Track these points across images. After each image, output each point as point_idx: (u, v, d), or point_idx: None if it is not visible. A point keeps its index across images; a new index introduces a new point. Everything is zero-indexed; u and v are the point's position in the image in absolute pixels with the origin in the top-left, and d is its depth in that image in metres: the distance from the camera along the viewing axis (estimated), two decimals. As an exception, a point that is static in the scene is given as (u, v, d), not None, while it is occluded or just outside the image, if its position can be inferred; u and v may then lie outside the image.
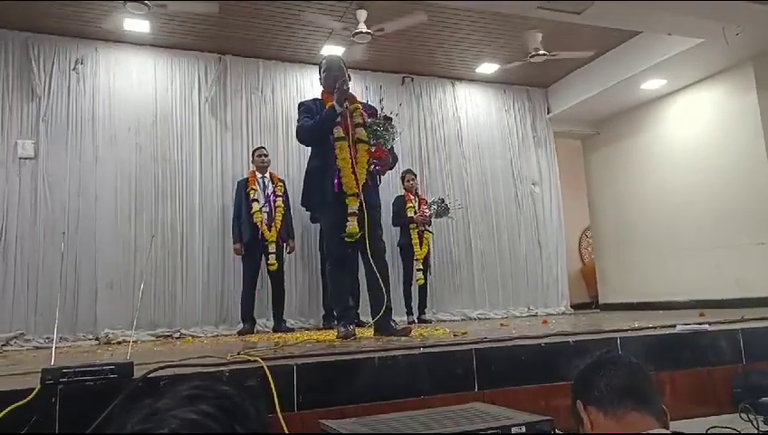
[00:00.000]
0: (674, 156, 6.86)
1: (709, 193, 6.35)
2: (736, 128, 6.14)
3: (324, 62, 3.79)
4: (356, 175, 3.42)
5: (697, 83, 6.58)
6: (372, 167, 3.54)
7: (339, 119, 3.49)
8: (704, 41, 5.55)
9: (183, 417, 0.62)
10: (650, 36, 5.97)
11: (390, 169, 3.79)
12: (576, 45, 6.02)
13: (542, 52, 5.89)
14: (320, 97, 3.73)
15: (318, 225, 5.84)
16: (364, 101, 4.07)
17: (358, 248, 3.53)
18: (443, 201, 6.05)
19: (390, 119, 3.58)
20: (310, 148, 3.71)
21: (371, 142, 3.51)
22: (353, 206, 3.40)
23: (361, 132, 3.52)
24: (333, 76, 3.62)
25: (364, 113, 3.61)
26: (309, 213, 5.84)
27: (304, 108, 3.65)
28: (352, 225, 3.38)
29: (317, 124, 3.50)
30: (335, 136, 3.47)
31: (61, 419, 1.68)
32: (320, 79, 3.80)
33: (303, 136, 3.61)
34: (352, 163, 3.44)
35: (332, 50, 6.22)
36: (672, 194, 6.82)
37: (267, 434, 0.68)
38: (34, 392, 1.66)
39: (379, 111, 3.69)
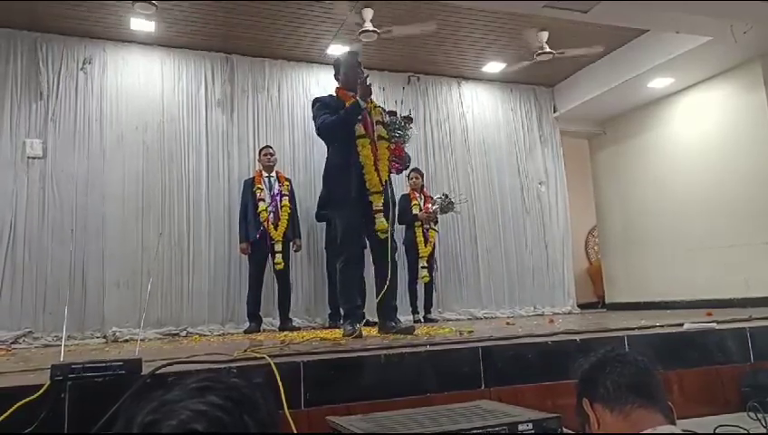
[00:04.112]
0: (681, 155, 6.83)
1: (717, 192, 6.31)
2: (744, 126, 6.10)
3: (342, 58, 3.78)
4: (379, 172, 3.44)
5: (705, 82, 6.54)
6: (392, 164, 3.57)
7: (359, 117, 3.49)
8: (711, 39, 5.51)
9: (193, 408, 0.62)
10: (657, 34, 5.94)
11: (405, 168, 3.83)
12: (582, 44, 5.99)
13: (548, 50, 5.88)
14: (335, 94, 3.72)
15: (323, 224, 5.86)
16: (380, 101, 4.10)
17: (365, 246, 3.55)
18: (447, 196, 6.03)
19: (411, 118, 3.61)
20: (323, 145, 3.71)
21: (391, 140, 3.53)
22: (378, 202, 3.42)
23: (381, 130, 3.55)
24: (353, 72, 3.62)
25: (383, 111, 3.63)
26: (314, 212, 5.91)
27: (321, 104, 3.62)
28: (381, 221, 3.40)
29: (342, 119, 3.46)
30: (357, 133, 3.48)
31: (70, 415, 1.69)
32: (335, 76, 3.78)
33: (328, 132, 3.55)
34: (375, 160, 3.46)
35: (339, 49, 6.22)
36: (679, 193, 6.78)
37: (275, 426, 0.68)
38: (44, 388, 1.67)
39: (398, 111, 3.73)
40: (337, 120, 3.47)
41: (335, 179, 3.52)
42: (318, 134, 3.66)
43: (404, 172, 6.02)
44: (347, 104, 3.53)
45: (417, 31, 5.31)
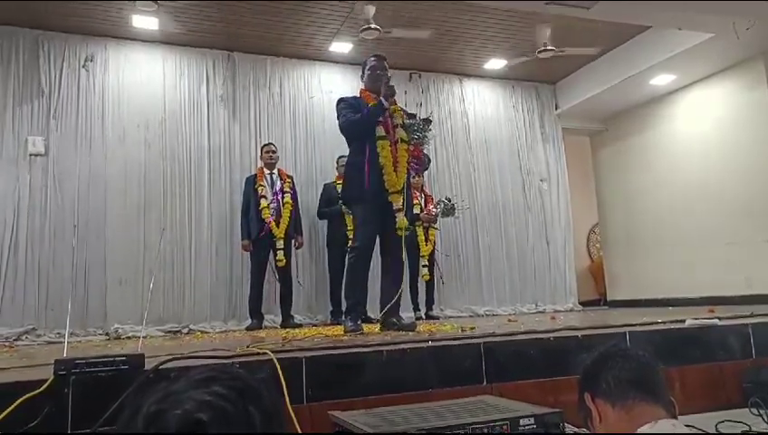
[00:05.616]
0: (683, 152, 6.82)
1: (718, 189, 6.31)
2: (746, 123, 6.09)
3: (368, 60, 3.82)
4: (398, 173, 3.51)
5: (707, 79, 6.53)
6: (411, 166, 3.64)
7: (380, 118, 3.56)
8: (714, 36, 5.51)
9: (197, 398, 0.63)
10: (660, 31, 5.93)
11: (425, 169, 3.87)
12: (585, 41, 5.99)
13: (550, 47, 5.87)
14: (359, 95, 3.78)
15: (325, 221, 5.87)
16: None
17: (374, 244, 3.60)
18: (449, 201, 6.05)
19: (430, 121, 3.65)
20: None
21: (410, 142, 3.59)
22: (397, 202, 3.50)
23: (401, 132, 3.60)
24: (377, 74, 3.70)
25: (404, 114, 3.68)
26: (316, 209, 5.92)
27: (346, 104, 3.70)
28: (401, 219, 3.49)
29: (365, 118, 3.56)
30: (377, 135, 3.54)
31: (73, 409, 1.69)
32: (361, 77, 3.85)
33: (351, 129, 3.65)
34: (394, 161, 3.51)
35: (341, 47, 6.23)
36: (681, 190, 6.78)
37: (279, 416, 0.69)
38: (47, 383, 1.67)
39: (417, 113, 3.77)
40: (359, 118, 3.57)
41: (354, 177, 3.59)
42: (341, 131, 3.74)
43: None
44: (369, 105, 3.61)
45: (414, 35, 5.40)
